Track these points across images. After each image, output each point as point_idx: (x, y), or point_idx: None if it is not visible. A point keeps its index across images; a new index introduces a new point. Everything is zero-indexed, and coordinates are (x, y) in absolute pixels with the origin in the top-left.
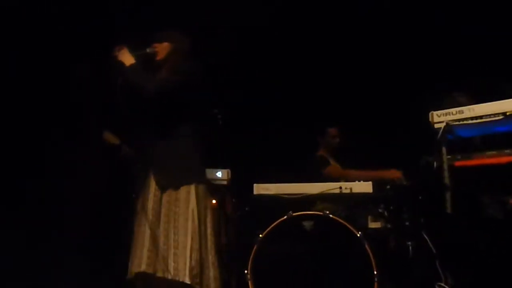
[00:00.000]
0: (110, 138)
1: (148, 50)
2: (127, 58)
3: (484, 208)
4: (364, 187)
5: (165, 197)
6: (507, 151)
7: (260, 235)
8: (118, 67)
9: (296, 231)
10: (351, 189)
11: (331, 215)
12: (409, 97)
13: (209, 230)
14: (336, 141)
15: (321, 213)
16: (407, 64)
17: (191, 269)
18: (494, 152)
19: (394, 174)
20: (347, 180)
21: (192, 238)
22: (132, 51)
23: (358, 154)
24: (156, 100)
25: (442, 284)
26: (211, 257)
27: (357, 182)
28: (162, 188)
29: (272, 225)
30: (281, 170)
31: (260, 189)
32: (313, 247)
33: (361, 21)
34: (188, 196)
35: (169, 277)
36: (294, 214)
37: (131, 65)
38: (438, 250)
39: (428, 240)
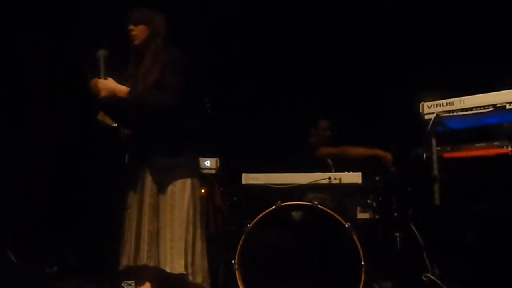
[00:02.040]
0: (106, 119)
1: (101, 52)
2: (114, 88)
3: (468, 202)
4: (353, 177)
5: (161, 192)
6: (496, 143)
7: (248, 225)
8: (115, 104)
9: (285, 221)
10: (340, 179)
11: (319, 206)
12: (400, 88)
13: (198, 219)
14: (327, 133)
15: (310, 204)
16: (398, 55)
17: (186, 261)
18: (483, 144)
19: (387, 155)
20: (341, 156)
21: (186, 230)
22: (97, 72)
23: (349, 143)
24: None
25: (429, 275)
26: (199, 246)
27: (346, 172)
28: (158, 183)
29: (261, 215)
30: (271, 159)
31: (248, 178)
32: (302, 237)
33: (350, 11)
34: (184, 188)
35: (168, 270)
36: (282, 204)
37: (131, 94)
38: (426, 241)
39: (416, 232)
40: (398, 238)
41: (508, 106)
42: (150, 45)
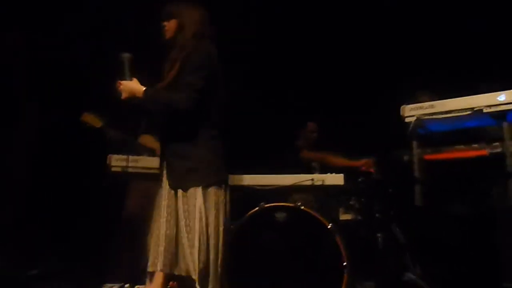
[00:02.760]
0: (90, 119)
1: (125, 55)
2: (134, 89)
3: (448, 203)
4: (336, 179)
5: (177, 196)
6: (475, 145)
7: (232, 226)
8: (133, 105)
9: (268, 222)
10: (323, 181)
11: (302, 207)
12: (381, 91)
13: (212, 228)
14: (314, 136)
15: (293, 205)
16: (380, 59)
17: (200, 271)
18: (462, 146)
19: (365, 163)
20: (324, 162)
21: (199, 239)
22: (122, 74)
23: (332, 146)
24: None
25: (411, 275)
26: (213, 255)
27: (329, 174)
28: (173, 188)
29: (244, 217)
30: (256, 161)
31: (232, 179)
32: (285, 238)
33: (333, 17)
34: (195, 195)
35: (183, 274)
36: (266, 205)
37: (145, 94)
38: (407, 242)
39: (398, 232)
40: (380, 239)
41: (485, 110)
42: (178, 39)
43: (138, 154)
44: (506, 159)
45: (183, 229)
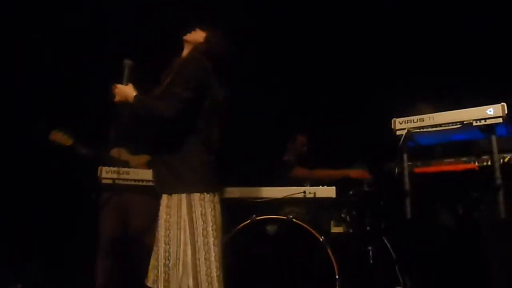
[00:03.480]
0: (59, 138)
1: (127, 62)
2: (127, 93)
3: (438, 216)
4: (327, 192)
5: (161, 204)
6: (464, 158)
7: (223, 239)
8: (124, 108)
9: (260, 235)
10: (314, 193)
11: (294, 220)
12: (372, 104)
13: (201, 240)
14: (305, 149)
15: (285, 217)
16: (371, 72)
17: (184, 285)
18: (452, 160)
19: (361, 174)
20: (314, 180)
21: (184, 251)
22: (123, 77)
23: (322, 159)
24: (175, 123)
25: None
26: (203, 270)
27: (320, 187)
28: (160, 193)
29: (236, 229)
30: (246, 174)
31: (224, 192)
32: (277, 251)
33: (325, 30)
34: (179, 204)
35: None
36: (257, 218)
37: (135, 99)
38: (398, 254)
39: (388, 245)
40: (371, 252)
41: (474, 123)
42: (191, 53)
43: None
44: (495, 172)
45: (162, 239)
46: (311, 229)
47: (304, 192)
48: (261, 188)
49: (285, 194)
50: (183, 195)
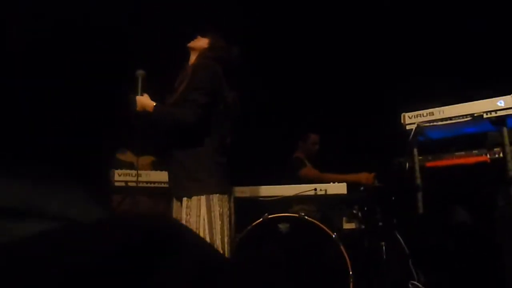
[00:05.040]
0: (127, 157)
1: (140, 72)
2: (146, 103)
3: (450, 210)
4: (338, 188)
5: (181, 207)
6: (475, 151)
7: (236, 238)
8: (143, 119)
9: (272, 233)
10: (326, 190)
11: (306, 217)
12: (382, 99)
13: (218, 238)
14: (316, 148)
15: (297, 215)
16: (379, 66)
17: None
18: (463, 153)
19: (367, 178)
20: (322, 182)
21: None
22: (135, 89)
23: (332, 155)
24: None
25: (415, 283)
26: None
27: (331, 183)
28: (177, 198)
29: (248, 228)
30: (257, 173)
31: (235, 191)
32: (289, 248)
33: (332, 27)
34: (198, 205)
35: None
36: (269, 216)
37: (155, 109)
38: (411, 249)
39: (401, 240)
40: (383, 247)
41: (485, 116)
42: (199, 59)
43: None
44: (507, 164)
45: None
46: (323, 226)
47: (315, 189)
48: (272, 186)
49: (296, 192)
50: (203, 197)
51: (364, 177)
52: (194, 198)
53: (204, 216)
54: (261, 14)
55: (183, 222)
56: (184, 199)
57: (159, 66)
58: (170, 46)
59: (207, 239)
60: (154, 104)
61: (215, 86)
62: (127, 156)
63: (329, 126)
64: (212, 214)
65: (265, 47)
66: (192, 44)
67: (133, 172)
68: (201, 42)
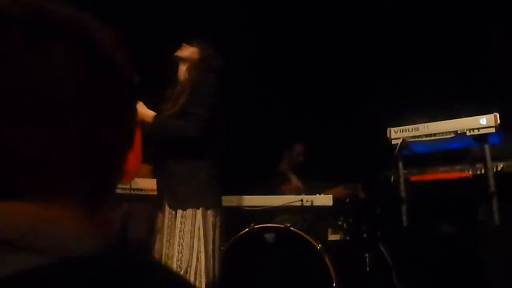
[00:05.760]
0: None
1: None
2: (142, 113)
3: (434, 223)
4: (324, 200)
5: (175, 217)
6: (458, 167)
7: (222, 247)
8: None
9: (258, 243)
10: (312, 202)
11: (292, 228)
12: (367, 112)
13: (210, 249)
14: (300, 159)
15: (282, 226)
16: (365, 79)
17: None
18: (446, 168)
19: (339, 192)
20: None
21: (197, 259)
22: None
23: (319, 166)
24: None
25: None
26: (217, 278)
27: (317, 195)
28: (172, 208)
29: (234, 237)
30: (243, 182)
31: (223, 200)
32: (275, 259)
33: (320, 37)
34: (195, 215)
35: None
36: (256, 226)
37: (155, 120)
38: (394, 261)
39: (385, 252)
40: (367, 259)
41: (468, 133)
42: (192, 70)
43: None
44: (489, 180)
45: (175, 248)
46: (308, 237)
47: (302, 200)
48: (259, 196)
49: (283, 202)
50: (199, 210)
51: (334, 192)
52: (190, 210)
53: (199, 227)
54: (243, 22)
55: (177, 231)
56: (179, 210)
57: (141, 74)
58: (154, 53)
59: (202, 248)
60: (154, 114)
61: (215, 100)
62: None
63: (315, 137)
64: (207, 226)
65: (252, 56)
66: (180, 54)
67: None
68: (190, 52)
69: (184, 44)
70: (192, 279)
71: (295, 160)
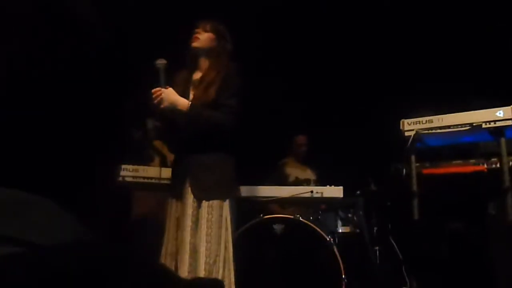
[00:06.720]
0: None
1: (160, 62)
2: (176, 100)
3: (445, 217)
4: (335, 191)
5: (200, 207)
6: (473, 160)
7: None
8: (174, 117)
9: (267, 234)
10: (322, 193)
11: (301, 219)
12: (381, 104)
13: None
14: (303, 149)
15: (292, 217)
16: (379, 72)
17: (223, 278)
18: (460, 162)
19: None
20: None
21: (225, 248)
22: (158, 81)
23: (331, 159)
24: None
25: None
26: (232, 266)
27: (328, 186)
28: (198, 199)
29: (243, 228)
30: (251, 173)
31: None
32: (283, 250)
33: (330, 31)
34: (222, 206)
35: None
36: (265, 217)
37: (191, 109)
38: (404, 255)
39: (395, 245)
40: (377, 252)
41: (484, 125)
42: (215, 58)
43: (152, 158)
44: (504, 175)
45: (203, 238)
46: (318, 229)
47: (312, 191)
48: (269, 187)
49: (293, 193)
50: (226, 201)
51: None
52: (217, 201)
53: (226, 217)
54: (253, 19)
55: (204, 221)
56: (204, 201)
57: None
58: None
59: (229, 237)
60: (188, 102)
61: (242, 91)
62: (164, 149)
63: (328, 130)
64: (232, 215)
65: (262, 49)
66: (198, 44)
67: (131, 167)
68: (207, 40)
69: (197, 30)
70: (221, 267)
71: (299, 151)
